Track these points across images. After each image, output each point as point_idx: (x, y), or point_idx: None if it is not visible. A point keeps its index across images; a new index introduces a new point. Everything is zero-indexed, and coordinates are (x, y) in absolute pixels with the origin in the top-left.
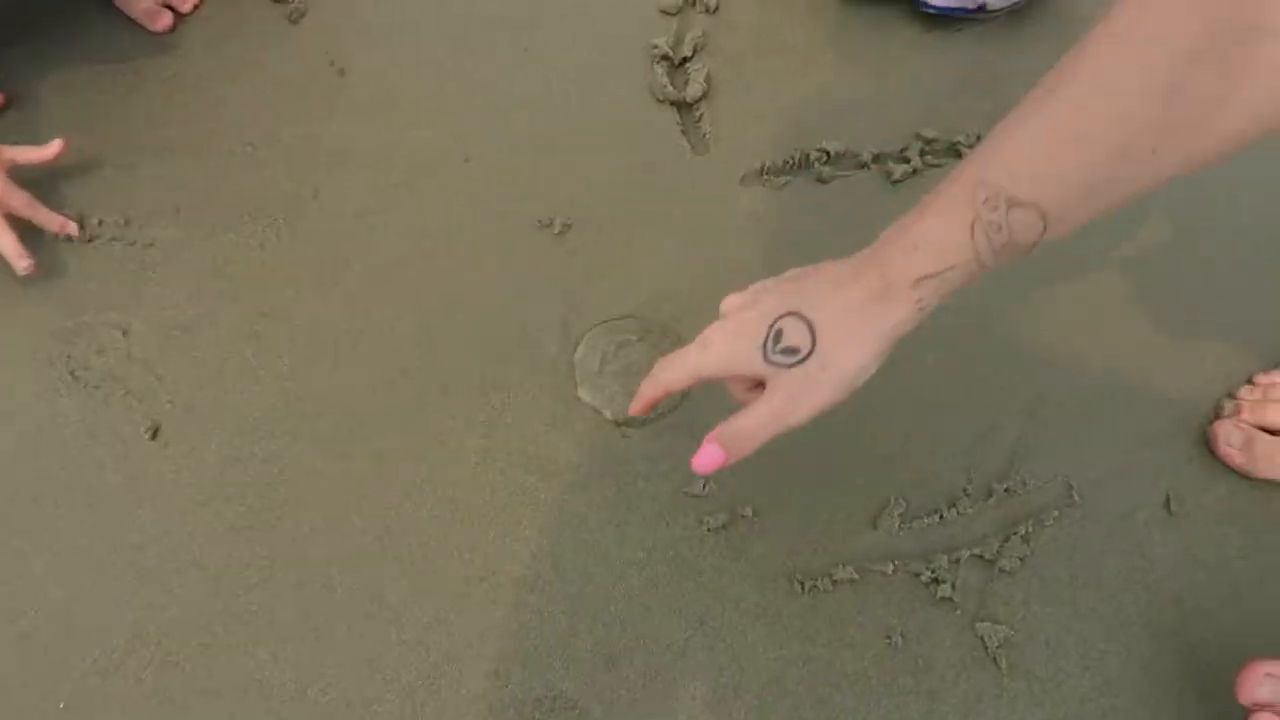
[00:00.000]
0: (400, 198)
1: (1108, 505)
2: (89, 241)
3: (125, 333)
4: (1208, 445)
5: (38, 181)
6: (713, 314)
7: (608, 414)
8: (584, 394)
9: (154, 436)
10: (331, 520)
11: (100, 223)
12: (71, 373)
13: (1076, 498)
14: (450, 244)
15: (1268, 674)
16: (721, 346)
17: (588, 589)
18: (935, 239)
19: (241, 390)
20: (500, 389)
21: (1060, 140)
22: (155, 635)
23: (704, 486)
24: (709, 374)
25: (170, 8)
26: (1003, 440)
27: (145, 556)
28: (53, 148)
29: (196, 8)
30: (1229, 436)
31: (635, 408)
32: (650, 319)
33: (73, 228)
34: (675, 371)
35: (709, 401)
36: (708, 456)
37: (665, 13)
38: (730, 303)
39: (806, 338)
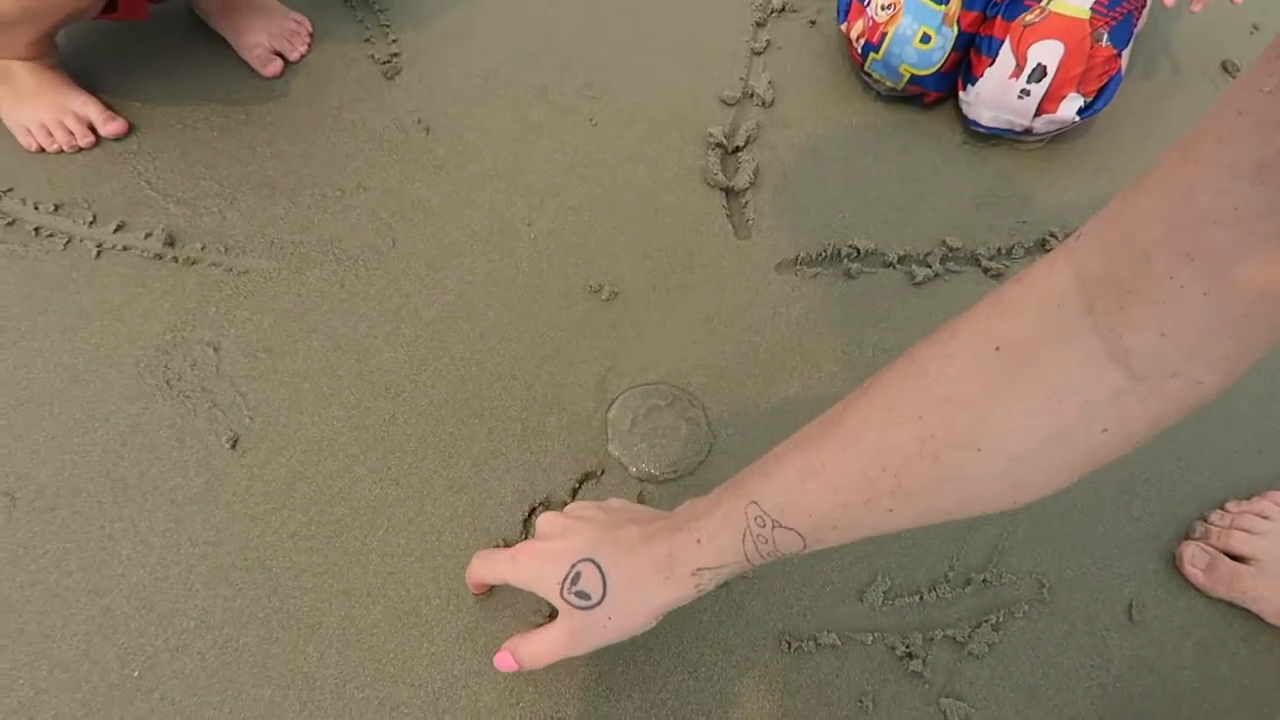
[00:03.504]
0: (467, 253)
1: (1075, 605)
2: (192, 264)
3: (216, 350)
4: (1174, 562)
5: (146, 201)
6: (733, 390)
7: (633, 470)
8: (614, 449)
9: (234, 446)
10: (380, 538)
11: (203, 248)
12: (167, 381)
13: (1047, 595)
14: (508, 301)
15: None
16: (528, 568)
17: None
18: (715, 541)
19: (313, 413)
20: (539, 436)
21: (818, 485)
22: (220, 622)
23: None
24: (514, 584)
25: (280, 55)
26: (984, 535)
27: (217, 552)
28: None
29: (303, 56)
30: (1194, 557)
31: (472, 588)
32: (679, 388)
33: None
34: (488, 570)
35: (726, 464)
36: (504, 661)
37: (724, 102)
38: (546, 525)
39: (599, 588)
